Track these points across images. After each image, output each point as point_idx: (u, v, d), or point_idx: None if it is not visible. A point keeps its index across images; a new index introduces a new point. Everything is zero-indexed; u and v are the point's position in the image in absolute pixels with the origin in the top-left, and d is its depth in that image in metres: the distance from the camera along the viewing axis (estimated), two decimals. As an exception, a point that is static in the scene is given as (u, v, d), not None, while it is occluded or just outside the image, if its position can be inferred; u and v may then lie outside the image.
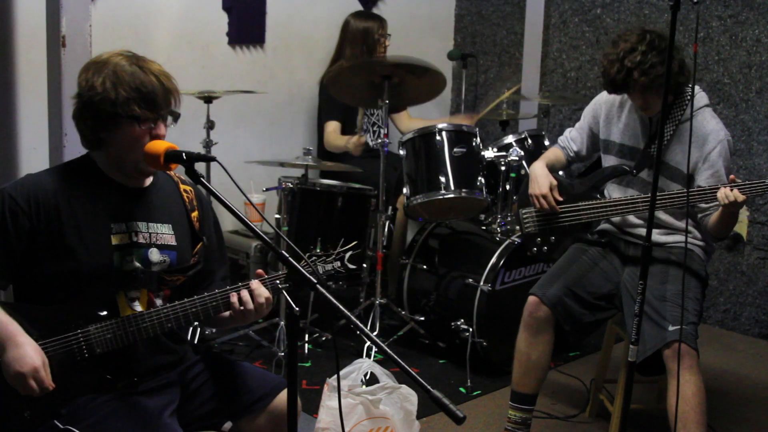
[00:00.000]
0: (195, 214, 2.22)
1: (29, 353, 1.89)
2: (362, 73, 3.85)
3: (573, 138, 3.18)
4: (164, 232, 2.13)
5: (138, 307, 2.06)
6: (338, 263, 2.17)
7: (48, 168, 2.16)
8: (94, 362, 1.99)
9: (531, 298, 2.93)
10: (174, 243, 2.14)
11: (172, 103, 2.06)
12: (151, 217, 2.12)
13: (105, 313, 2.00)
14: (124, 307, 2.04)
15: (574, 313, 2.91)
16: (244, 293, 2.05)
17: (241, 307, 2.04)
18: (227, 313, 2.11)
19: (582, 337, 3.08)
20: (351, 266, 2.16)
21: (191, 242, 2.20)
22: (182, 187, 2.23)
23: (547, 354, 2.94)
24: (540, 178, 3.06)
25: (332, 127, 4.39)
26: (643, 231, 2.91)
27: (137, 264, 2.06)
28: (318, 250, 2.25)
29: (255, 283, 2.07)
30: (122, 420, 1.97)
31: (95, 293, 2.01)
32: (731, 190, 2.58)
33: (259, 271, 2.12)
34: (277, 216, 3.67)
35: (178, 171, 2.17)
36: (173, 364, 2.17)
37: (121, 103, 1.97)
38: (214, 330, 3.83)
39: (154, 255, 2.09)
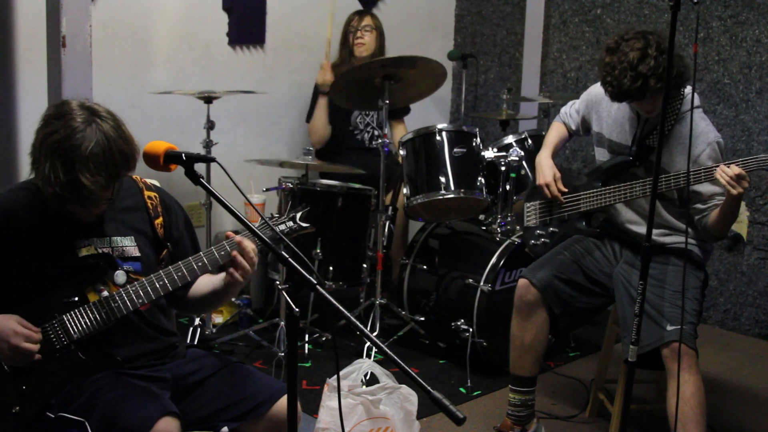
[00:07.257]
0: (159, 220, 2.21)
1: None
2: (361, 76, 3.84)
3: (572, 116, 3.18)
4: (126, 245, 2.13)
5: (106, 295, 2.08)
6: (291, 222, 2.22)
7: (11, 187, 2.14)
8: (75, 349, 2.01)
9: (521, 281, 2.95)
10: (138, 254, 2.14)
11: (112, 190, 2.02)
12: (111, 232, 2.12)
13: (76, 298, 2.02)
14: (93, 297, 2.05)
15: (564, 297, 2.92)
16: (240, 248, 2.06)
17: (238, 270, 2.07)
18: (203, 288, 2.19)
19: (574, 323, 3.06)
20: (303, 224, 2.20)
21: (155, 250, 2.20)
22: (146, 193, 2.23)
23: (540, 337, 2.95)
24: (545, 168, 3.09)
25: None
26: (639, 228, 2.92)
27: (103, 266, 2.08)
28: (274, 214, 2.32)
29: (238, 238, 2.09)
30: (112, 392, 1.98)
31: (63, 293, 2.03)
32: (728, 167, 2.54)
33: (229, 233, 2.12)
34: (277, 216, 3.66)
35: (178, 171, 2.15)
36: (156, 352, 2.17)
37: (58, 195, 1.95)
38: (213, 330, 3.83)
39: (120, 277, 2.09)
